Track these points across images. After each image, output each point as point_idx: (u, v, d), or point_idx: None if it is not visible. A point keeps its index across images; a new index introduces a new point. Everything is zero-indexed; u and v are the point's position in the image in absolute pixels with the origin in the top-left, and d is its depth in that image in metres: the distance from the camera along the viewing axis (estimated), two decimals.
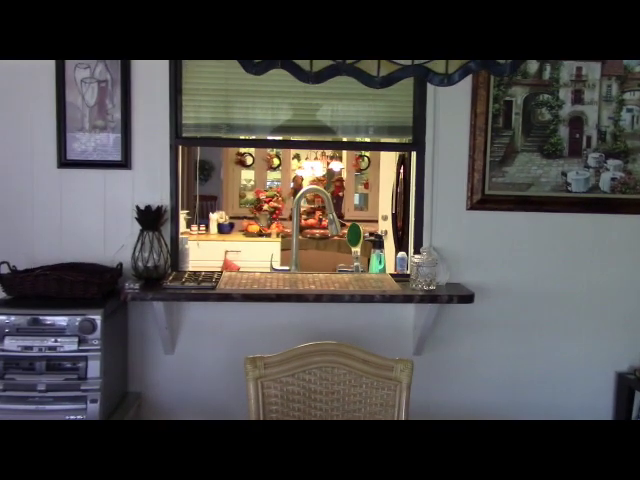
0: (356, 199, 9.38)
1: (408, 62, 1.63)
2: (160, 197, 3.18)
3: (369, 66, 1.63)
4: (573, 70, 3.21)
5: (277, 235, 6.69)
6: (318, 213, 7.84)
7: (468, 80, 3.14)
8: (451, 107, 3.21)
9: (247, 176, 9.46)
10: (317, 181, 8.71)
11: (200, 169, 8.79)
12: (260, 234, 6.69)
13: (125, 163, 3.15)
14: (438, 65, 1.60)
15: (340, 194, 8.99)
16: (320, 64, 1.64)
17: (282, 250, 6.37)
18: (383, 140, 3.51)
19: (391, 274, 3.34)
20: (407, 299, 3.00)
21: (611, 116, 3.24)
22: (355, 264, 3.42)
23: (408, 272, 3.24)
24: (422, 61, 1.60)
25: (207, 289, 2.91)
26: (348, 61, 1.62)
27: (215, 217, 6.80)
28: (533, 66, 3.20)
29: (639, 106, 3.24)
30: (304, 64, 1.61)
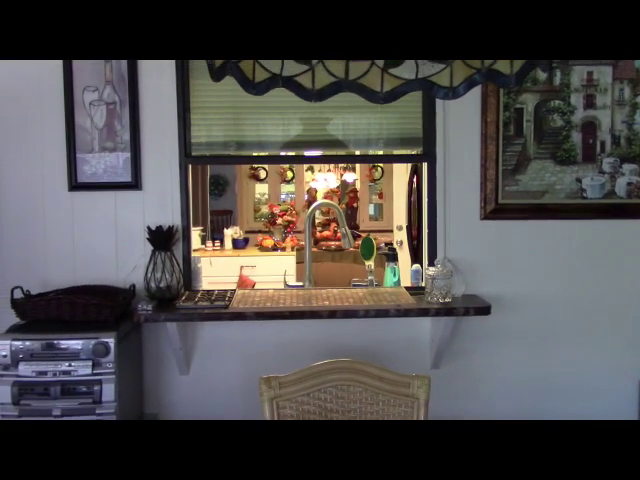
0: (371, 209, 9.35)
1: (412, 76, 1.60)
2: (171, 217, 3.18)
3: (372, 81, 1.61)
4: (584, 75, 3.16)
5: (292, 249, 6.67)
6: (333, 225, 7.81)
7: (477, 89, 3.10)
8: (461, 116, 3.17)
9: (261, 190, 9.48)
10: (331, 192, 8.70)
11: (215, 184, 8.83)
12: (275, 248, 6.67)
13: (135, 184, 3.15)
14: (442, 78, 1.57)
15: (355, 205, 8.96)
16: (322, 81, 1.62)
17: (297, 263, 6.34)
18: (395, 152, 3.47)
19: (406, 287, 3.30)
20: (422, 312, 2.96)
21: (624, 120, 3.19)
22: (369, 278, 3.38)
23: (423, 285, 3.20)
24: (426, 75, 1.57)
25: (220, 308, 2.89)
26: (350, 77, 1.59)
27: (229, 233, 6.79)
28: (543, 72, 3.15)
29: None
30: (306, 82, 1.59)
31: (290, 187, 9.43)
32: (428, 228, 3.28)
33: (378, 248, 5.16)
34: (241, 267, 6.19)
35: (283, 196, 9.42)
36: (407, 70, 1.60)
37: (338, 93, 1.61)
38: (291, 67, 1.59)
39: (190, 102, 3.20)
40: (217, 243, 6.70)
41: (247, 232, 7.82)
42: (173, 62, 3.14)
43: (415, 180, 4.60)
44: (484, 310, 2.95)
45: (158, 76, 3.13)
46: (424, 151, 3.28)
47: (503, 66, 1.48)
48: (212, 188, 8.60)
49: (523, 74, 1.46)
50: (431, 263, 3.19)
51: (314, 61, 1.59)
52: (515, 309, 3.23)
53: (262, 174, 9.18)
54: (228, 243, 6.72)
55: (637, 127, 3.19)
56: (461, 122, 3.18)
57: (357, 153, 3.55)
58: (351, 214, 8.87)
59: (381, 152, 3.47)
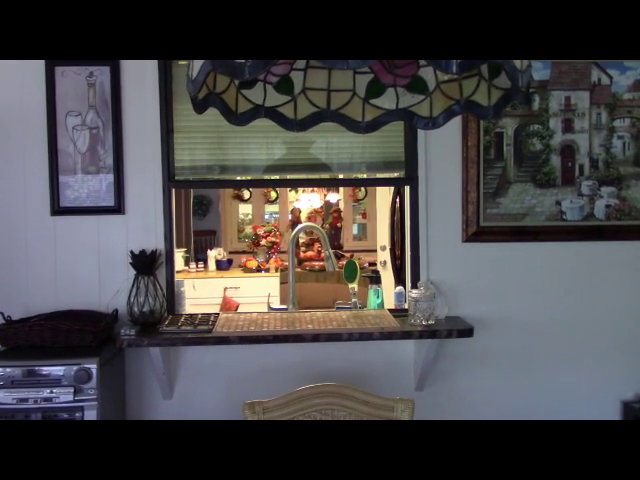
0: (355, 229, 9.38)
1: (392, 106, 1.63)
2: (155, 241, 3.17)
3: (353, 111, 1.64)
4: (562, 99, 3.22)
5: (276, 270, 6.68)
6: (317, 245, 7.82)
7: None
8: (443, 140, 3.20)
9: (245, 210, 9.48)
10: (315, 213, 8.73)
11: (198, 204, 8.83)
12: (259, 269, 6.67)
13: (118, 208, 3.15)
14: (422, 108, 1.59)
15: (338, 225, 8.99)
16: (304, 111, 1.64)
17: (281, 284, 6.34)
18: (378, 175, 3.50)
19: (389, 309, 3.32)
20: (406, 335, 2.97)
21: (602, 144, 3.25)
22: (353, 300, 3.39)
23: (406, 307, 3.22)
24: (406, 105, 1.60)
25: (204, 332, 2.88)
26: (332, 107, 1.62)
27: (213, 254, 6.79)
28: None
29: (630, 133, 3.25)
30: (288, 112, 1.61)
31: (274, 207, 9.45)
32: (411, 250, 3.30)
33: (362, 268, 5.18)
34: (225, 288, 6.18)
35: (267, 216, 9.43)
36: (388, 100, 1.63)
37: (320, 123, 1.63)
38: (273, 97, 1.61)
39: (173, 126, 3.21)
40: (200, 264, 6.68)
41: (231, 252, 7.82)
42: (156, 86, 3.15)
43: (398, 200, 4.63)
44: (467, 332, 2.97)
45: (141, 100, 3.14)
46: (406, 174, 3.31)
47: (481, 98, 1.51)
48: (195, 208, 8.59)
49: (501, 106, 1.49)
50: (414, 285, 3.21)
51: (296, 91, 1.61)
52: (497, 331, 3.26)
53: (246, 194, 9.19)
54: (212, 264, 6.72)
55: (614, 151, 3.25)
56: (443, 146, 3.22)
57: (340, 176, 3.57)
58: (335, 234, 8.90)
59: (364, 175, 3.49)
